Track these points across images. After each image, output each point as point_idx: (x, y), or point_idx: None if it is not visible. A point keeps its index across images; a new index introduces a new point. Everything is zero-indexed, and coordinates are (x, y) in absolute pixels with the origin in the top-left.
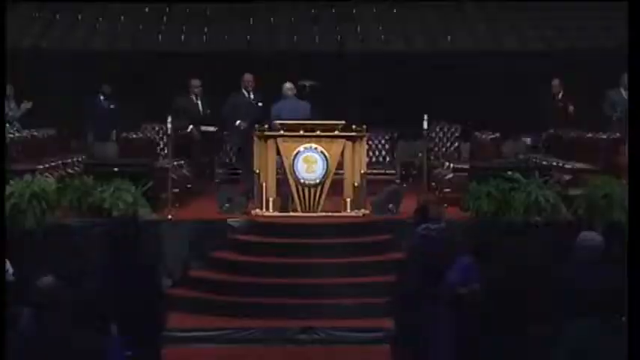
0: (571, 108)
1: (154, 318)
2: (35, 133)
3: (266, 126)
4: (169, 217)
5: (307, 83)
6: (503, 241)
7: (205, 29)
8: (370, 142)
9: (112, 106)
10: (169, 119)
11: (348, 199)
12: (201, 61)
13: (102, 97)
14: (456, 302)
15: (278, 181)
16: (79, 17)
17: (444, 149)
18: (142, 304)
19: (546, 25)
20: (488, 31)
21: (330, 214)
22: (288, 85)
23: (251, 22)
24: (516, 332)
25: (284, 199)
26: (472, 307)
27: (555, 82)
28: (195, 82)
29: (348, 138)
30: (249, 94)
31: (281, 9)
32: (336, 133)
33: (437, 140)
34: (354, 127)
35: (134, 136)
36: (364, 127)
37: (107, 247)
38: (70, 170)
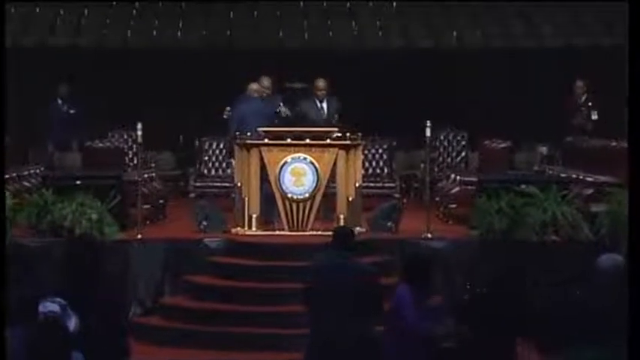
0: (595, 113)
1: (116, 350)
2: None
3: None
4: (139, 236)
5: (296, 86)
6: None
7: (180, 24)
8: (366, 152)
9: (71, 111)
10: (139, 125)
11: (342, 216)
12: (176, 59)
13: (59, 100)
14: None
15: (262, 195)
16: (37, 10)
17: (449, 159)
18: (102, 334)
19: (564, 21)
20: (498, 26)
21: (321, 232)
22: (254, 86)
23: (232, 17)
24: None
25: (269, 216)
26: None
27: (579, 83)
28: (321, 83)
29: (341, 147)
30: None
31: (265, 2)
32: (328, 141)
33: (441, 149)
34: (348, 134)
35: (100, 144)
36: (360, 134)
37: (64, 270)
38: (26, 184)
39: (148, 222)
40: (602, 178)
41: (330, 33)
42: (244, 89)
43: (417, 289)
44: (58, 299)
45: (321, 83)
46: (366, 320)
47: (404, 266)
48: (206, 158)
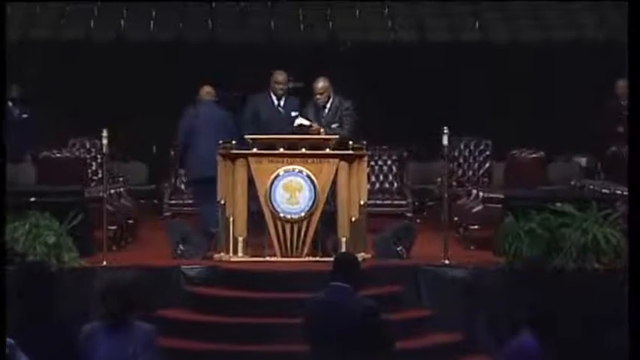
0: None
1: None
2: None
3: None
4: (104, 263)
5: (290, 85)
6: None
7: (153, 14)
8: (373, 163)
9: (23, 115)
10: (105, 133)
11: (343, 239)
12: (148, 54)
13: (10, 103)
14: None
15: (250, 215)
16: None
17: (470, 173)
18: None
19: (607, 11)
20: (528, 17)
21: (318, 259)
22: (207, 88)
23: (213, 6)
24: None
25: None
26: None
27: (621, 82)
28: (320, 84)
29: (343, 158)
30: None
31: None
32: (328, 151)
33: (461, 160)
34: (350, 142)
35: (58, 155)
36: (364, 142)
37: (13, 303)
38: None
39: (114, 246)
40: None
41: (330, 24)
42: (229, 89)
43: (543, 339)
44: (7, 339)
45: (323, 86)
46: None
47: (529, 315)
48: (183, 171)
